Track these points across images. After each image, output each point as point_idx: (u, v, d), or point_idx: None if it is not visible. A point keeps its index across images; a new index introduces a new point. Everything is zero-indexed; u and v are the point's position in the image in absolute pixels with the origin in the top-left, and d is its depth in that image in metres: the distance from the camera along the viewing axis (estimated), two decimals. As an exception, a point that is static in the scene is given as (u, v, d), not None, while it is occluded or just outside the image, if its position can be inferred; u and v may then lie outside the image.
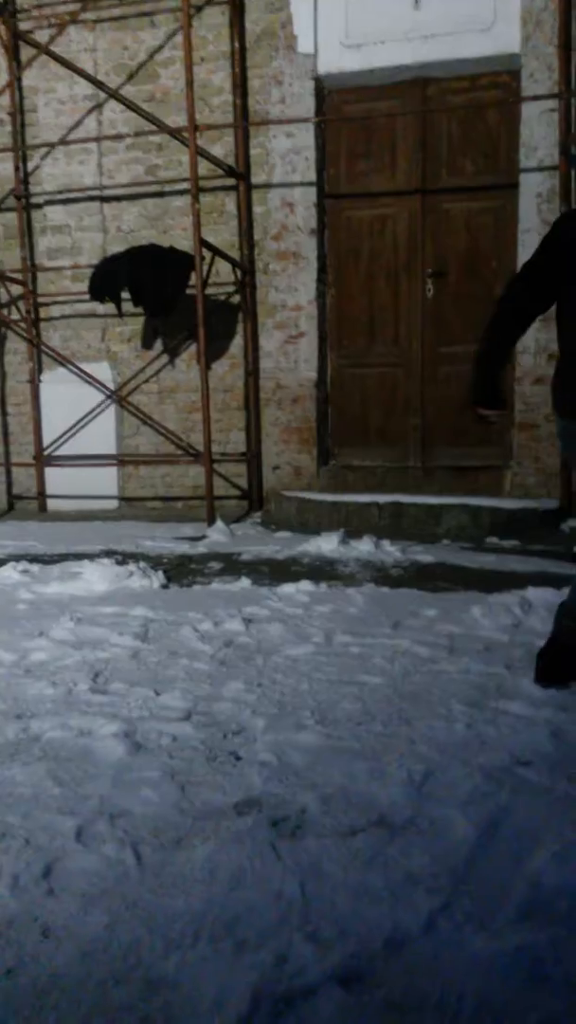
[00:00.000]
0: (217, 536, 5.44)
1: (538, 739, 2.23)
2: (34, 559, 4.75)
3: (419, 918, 1.53)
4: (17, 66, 6.69)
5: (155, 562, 4.66)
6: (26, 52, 6.66)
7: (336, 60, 6.12)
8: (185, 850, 1.77)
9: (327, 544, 4.86)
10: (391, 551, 4.77)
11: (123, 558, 4.63)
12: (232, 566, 4.60)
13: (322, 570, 4.43)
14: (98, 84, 6.53)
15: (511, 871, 1.66)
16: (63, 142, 6.55)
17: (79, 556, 4.75)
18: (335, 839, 1.80)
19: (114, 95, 6.50)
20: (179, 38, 6.04)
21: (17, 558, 4.74)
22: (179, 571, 4.51)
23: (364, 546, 4.81)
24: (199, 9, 6.21)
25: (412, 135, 6.15)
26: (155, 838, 1.82)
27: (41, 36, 6.56)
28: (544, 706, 2.46)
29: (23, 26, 6.67)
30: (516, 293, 2.58)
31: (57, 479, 6.98)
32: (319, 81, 6.19)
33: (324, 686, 2.69)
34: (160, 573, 4.27)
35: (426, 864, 1.70)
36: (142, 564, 4.35)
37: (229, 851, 1.75)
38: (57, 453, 6.88)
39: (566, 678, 2.59)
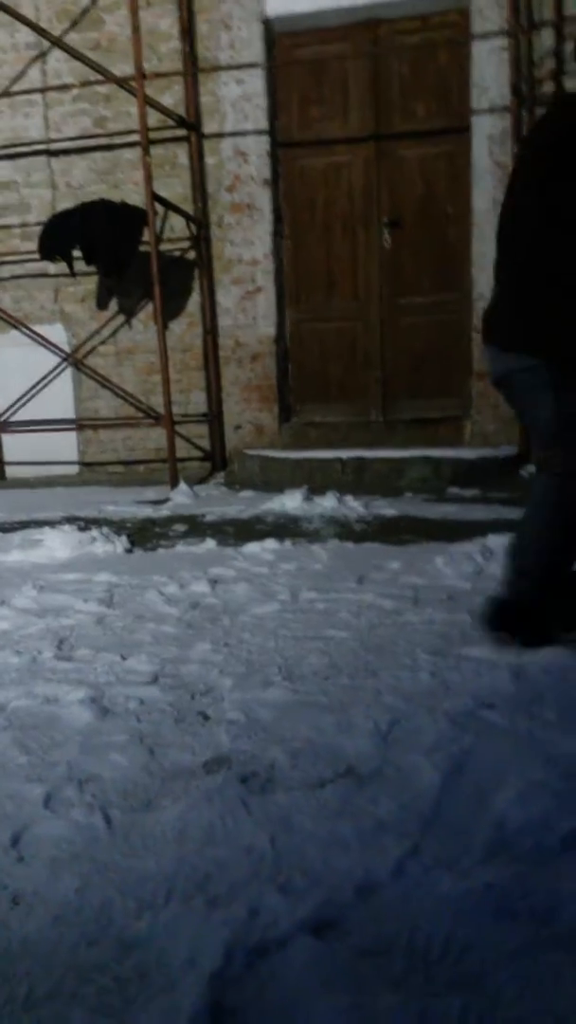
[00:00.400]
0: (181, 498, 5.40)
1: (500, 681, 2.26)
2: (-5, 528, 4.67)
3: (388, 864, 1.56)
4: (-50, 13, 6.37)
5: (118, 527, 4.61)
6: (-41, -3, 6.34)
7: (286, 2, 5.93)
8: (155, 811, 1.77)
9: (291, 502, 4.85)
10: (355, 506, 4.78)
11: (85, 524, 4.58)
12: (196, 528, 4.58)
13: (286, 528, 4.43)
14: (41, 32, 6.25)
15: (476, 813, 1.69)
16: (6, 93, 6.30)
17: (40, 523, 4.68)
18: (304, 791, 1.81)
19: (57, 43, 6.23)
20: (120, -20, 5.80)
21: (-23, 527, 4.67)
22: (143, 535, 4.48)
23: (328, 502, 4.81)
24: (140, -51, 5.94)
25: (364, 79, 6.00)
26: (124, 801, 1.82)
27: (-26, -20, 6.24)
28: (506, 649, 2.49)
29: (-46, -31, 6.33)
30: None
31: (15, 446, 6.85)
32: (268, 24, 6.00)
33: (290, 643, 2.70)
34: (124, 538, 4.23)
35: (394, 811, 1.72)
36: (105, 529, 4.31)
37: (199, 810, 1.76)
38: (14, 419, 6.74)
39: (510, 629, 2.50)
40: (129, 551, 4.13)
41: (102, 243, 5.92)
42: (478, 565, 3.38)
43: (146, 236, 5.79)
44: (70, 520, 4.77)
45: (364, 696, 2.26)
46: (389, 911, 1.46)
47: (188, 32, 6.09)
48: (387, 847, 1.61)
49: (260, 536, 4.15)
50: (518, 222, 2.35)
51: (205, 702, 2.30)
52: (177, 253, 6.36)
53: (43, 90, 6.29)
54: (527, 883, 1.50)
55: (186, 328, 6.49)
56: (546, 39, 5.49)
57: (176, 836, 1.68)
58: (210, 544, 4.10)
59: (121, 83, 6.02)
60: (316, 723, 2.12)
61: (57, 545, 4.08)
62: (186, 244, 6.36)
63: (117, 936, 1.41)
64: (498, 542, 3.56)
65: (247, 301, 6.33)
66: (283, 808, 1.75)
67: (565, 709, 2.08)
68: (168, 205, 6.00)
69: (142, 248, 5.93)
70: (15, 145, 6.50)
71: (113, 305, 6.62)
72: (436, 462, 5.44)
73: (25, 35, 6.33)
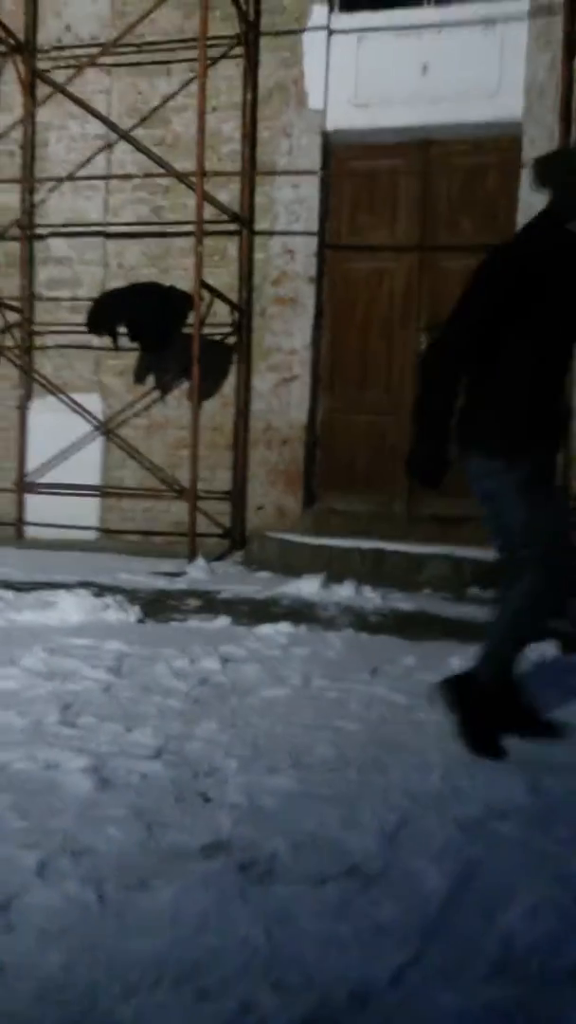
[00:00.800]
0: (197, 573, 5.40)
1: (515, 792, 2.20)
2: (8, 586, 4.68)
3: (387, 971, 1.49)
4: (32, 102, 6.84)
5: (132, 596, 4.61)
6: (43, 90, 6.81)
7: (344, 117, 6.31)
8: (149, 891, 1.71)
9: (308, 587, 4.84)
10: (372, 597, 4.76)
11: (100, 590, 4.59)
12: (211, 604, 4.57)
13: (301, 612, 4.41)
14: (110, 125, 6.68)
15: (483, 926, 1.62)
16: (71, 178, 6.67)
17: (55, 586, 4.69)
18: (304, 887, 1.75)
19: (125, 136, 6.65)
20: (193, 87, 6.21)
21: (-7, 584, 4.68)
22: (156, 606, 4.47)
23: (345, 591, 4.80)
24: (215, 61, 6.40)
25: (413, 193, 6.32)
26: (119, 877, 1.76)
27: (58, 75, 6.71)
28: (521, 759, 2.43)
29: (41, 65, 6.83)
30: (463, 341, 2.46)
31: (38, 507, 6.94)
32: (326, 136, 6.37)
33: (299, 730, 2.65)
34: (137, 607, 4.23)
35: (396, 916, 1.65)
36: (119, 597, 4.31)
37: (194, 894, 1.70)
38: (40, 481, 6.84)
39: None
40: (141, 621, 4.12)
41: (148, 322, 6.15)
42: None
43: (191, 319, 6.00)
44: (85, 585, 4.78)
45: (372, 793, 2.20)
46: (384, 1021, 1.39)
47: (250, 137, 6.47)
48: (387, 953, 1.54)
49: (274, 618, 4.13)
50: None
51: (208, 783, 2.25)
52: (218, 337, 6.58)
53: (106, 177, 6.66)
54: (530, 1008, 1.42)
55: (219, 408, 6.65)
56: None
57: (169, 919, 1.62)
58: (223, 621, 4.08)
59: (181, 178, 6.37)
60: (321, 816, 2.06)
61: (70, 609, 4.07)
62: (228, 330, 6.58)
63: (100, 1020, 1.35)
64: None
65: (282, 388, 6.50)
66: (282, 901, 1.69)
67: (579, 828, 2.01)
68: (215, 292, 6.25)
69: (185, 330, 6.14)
70: (74, 224, 6.85)
71: (150, 380, 6.81)
72: (457, 561, 5.44)
73: (95, 127, 6.75)
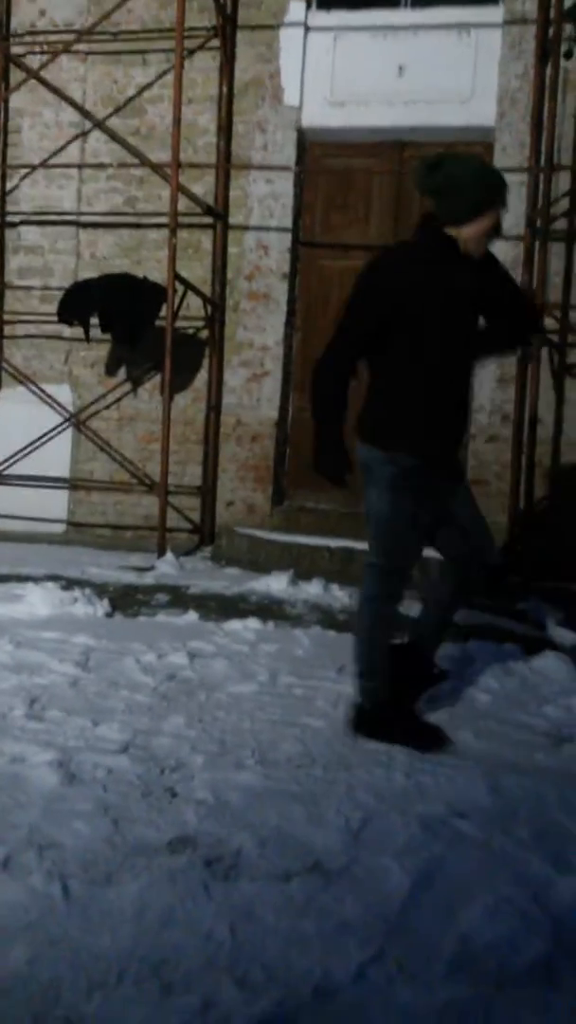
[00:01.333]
0: (166, 568, 5.39)
1: (476, 792, 2.24)
2: (-24, 578, 4.63)
3: (349, 967, 1.52)
4: (6, 88, 6.73)
5: (101, 590, 4.59)
6: (16, 75, 6.71)
7: (320, 115, 6.32)
8: (114, 886, 1.72)
9: (276, 583, 4.86)
10: (340, 596, 4.78)
11: (68, 583, 4.55)
12: (179, 599, 4.56)
13: (270, 609, 4.42)
14: (85, 113, 6.61)
15: (443, 924, 1.65)
16: (44, 165, 6.59)
17: (22, 578, 4.65)
18: (269, 883, 1.77)
19: (100, 125, 6.58)
20: (169, 77, 6.16)
21: (-42, 575, 4.63)
22: (125, 600, 4.45)
23: (313, 588, 4.82)
24: (191, 53, 6.36)
25: (387, 193, 6.34)
26: (84, 872, 1.76)
27: (33, 61, 6.62)
28: (483, 760, 2.48)
29: (15, 50, 6.73)
30: (345, 359, 2.59)
31: (5, 499, 6.85)
32: (302, 133, 6.37)
33: (266, 726, 2.67)
34: (105, 601, 4.21)
35: (359, 913, 1.68)
36: (87, 591, 4.29)
37: (160, 889, 1.71)
38: (8, 472, 6.76)
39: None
40: (109, 615, 4.10)
41: (121, 313, 6.10)
42: (457, 669, 3.38)
43: (163, 312, 5.97)
44: (53, 578, 4.73)
45: (336, 790, 2.23)
46: (345, 1018, 1.42)
47: (225, 130, 6.45)
48: (349, 950, 1.57)
49: (243, 614, 4.14)
50: None
51: (174, 778, 2.26)
52: (191, 331, 6.55)
53: (80, 166, 6.59)
54: (488, 1005, 1.46)
55: (191, 402, 6.62)
56: (563, 181, 5.84)
57: (134, 915, 1.63)
58: (192, 617, 4.08)
59: (156, 168, 6.32)
60: (286, 812, 2.08)
61: (38, 601, 4.04)
62: (200, 323, 6.56)
63: (64, 1016, 1.36)
64: (479, 649, 3.57)
65: (253, 383, 6.49)
66: (246, 897, 1.71)
67: (539, 829, 2.05)
68: (188, 285, 6.22)
69: (158, 323, 6.11)
70: (46, 213, 6.76)
71: (122, 373, 6.76)
72: (425, 561, 5.48)
73: (70, 115, 6.67)
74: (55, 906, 1.64)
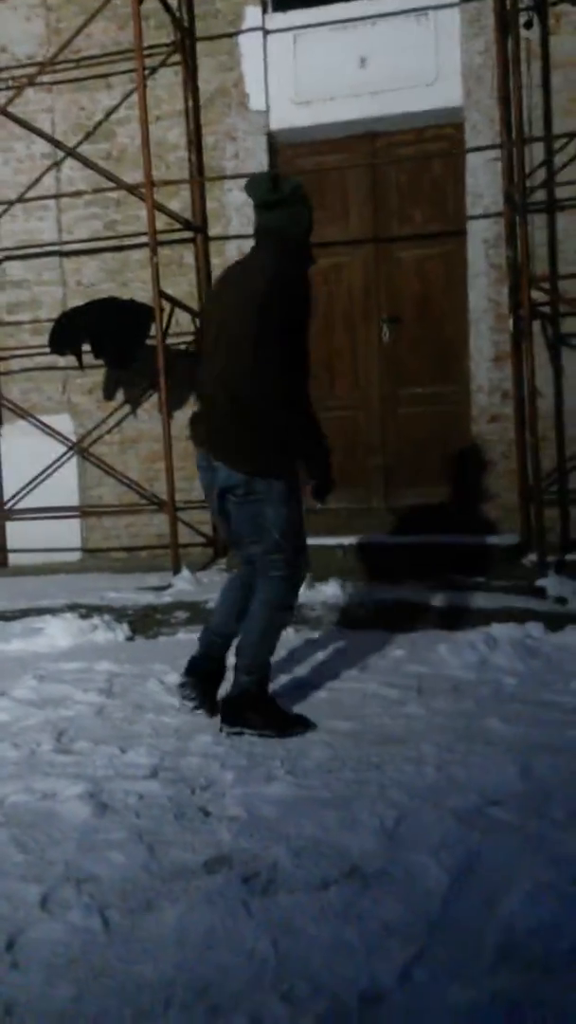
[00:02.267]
0: (183, 584, 5.40)
1: (508, 778, 2.22)
2: (-4, 615, 4.67)
3: (394, 970, 1.51)
4: (-27, 126, 6.78)
5: (120, 614, 4.61)
6: (-18, 113, 6.76)
7: (287, 116, 6.31)
8: (154, 913, 1.73)
9: (294, 588, 4.84)
10: (357, 592, 4.78)
11: (87, 611, 4.58)
12: (198, 614, 4.57)
13: (289, 615, 4.41)
14: (56, 143, 6.64)
15: (485, 916, 1.65)
16: (21, 200, 6.62)
17: (41, 611, 4.68)
18: (307, 893, 1.77)
19: (72, 153, 6.61)
20: (135, 98, 6.18)
21: (-21, 615, 4.66)
22: (144, 622, 4.47)
23: (329, 589, 4.82)
24: (153, 71, 6.38)
25: (363, 186, 6.33)
26: (123, 902, 1.77)
27: (-2, 97, 6.67)
28: (513, 745, 2.46)
29: (-21, 88, 6.77)
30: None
31: (18, 533, 6.90)
32: (271, 136, 6.36)
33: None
34: (125, 625, 4.22)
35: (400, 914, 1.67)
36: (106, 617, 4.31)
37: (200, 912, 1.71)
38: (19, 506, 6.81)
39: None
40: (130, 639, 4.11)
41: (110, 337, 6.12)
42: (481, 654, 3.36)
43: (153, 331, 5.99)
44: (72, 607, 4.76)
45: (368, 791, 2.22)
46: (394, 1021, 1.41)
47: (196, 143, 6.46)
48: (393, 952, 1.56)
49: (262, 624, 4.13)
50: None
51: (206, 797, 2.26)
52: (183, 346, 6.56)
53: (57, 196, 6.62)
54: (537, 992, 1.45)
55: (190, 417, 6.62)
56: (537, 152, 5.81)
57: (176, 940, 1.63)
58: (212, 632, 4.08)
59: (131, 190, 6.34)
60: (320, 820, 2.08)
61: (58, 633, 4.06)
62: (191, 338, 6.57)
63: (113, 1049, 1.36)
64: (502, 631, 3.56)
65: (250, 392, 6.48)
66: (285, 910, 1.71)
67: (574, 809, 2.04)
68: (174, 302, 6.23)
69: (149, 342, 6.13)
70: (29, 246, 6.80)
71: (119, 396, 6.78)
72: (438, 548, 5.47)
73: (41, 146, 6.71)
74: (96, 939, 1.64)
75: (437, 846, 1.91)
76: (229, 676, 2.83)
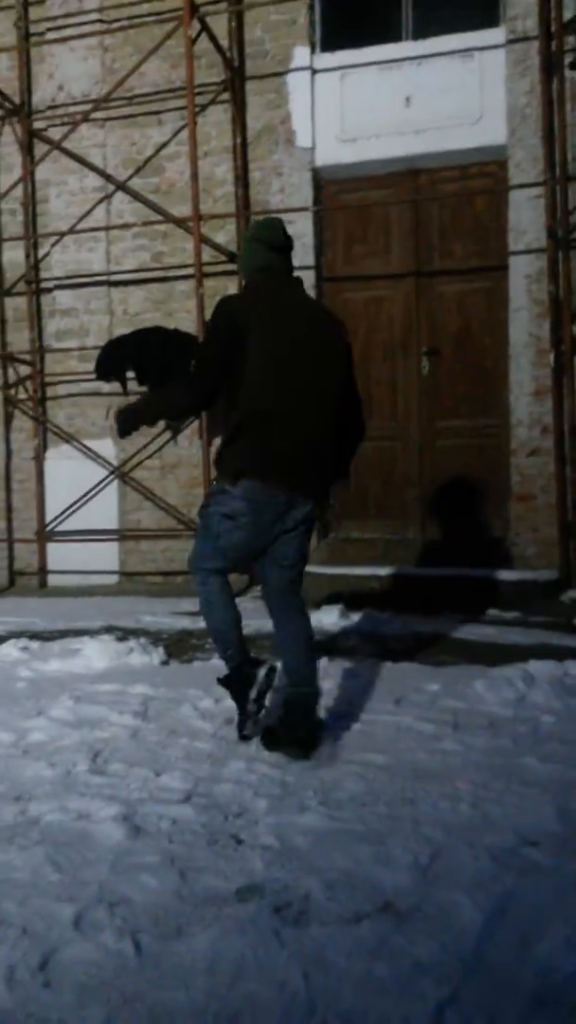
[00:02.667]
0: (218, 611, 5.41)
1: (545, 818, 2.19)
2: (34, 636, 4.73)
3: (427, 1010, 1.49)
4: (31, 161, 7.03)
5: (155, 638, 4.64)
6: (40, 148, 7.01)
7: (333, 153, 6.44)
8: (186, 939, 1.72)
9: (327, 617, 4.84)
10: (392, 624, 4.76)
11: (123, 634, 4.62)
12: (233, 641, 4.57)
13: (321, 644, 4.39)
14: (107, 177, 6.84)
15: (520, 958, 1.62)
16: (73, 231, 6.82)
17: (79, 632, 4.74)
18: (340, 926, 1.75)
19: (122, 187, 6.80)
20: (185, 134, 6.36)
21: (17, 635, 4.73)
22: (179, 646, 4.49)
23: (364, 619, 4.80)
24: (203, 108, 6.56)
25: (405, 221, 6.41)
26: (155, 926, 1.77)
27: (55, 133, 6.91)
28: (550, 784, 2.42)
29: (38, 124, 7.03)
30: (214, 378, 2.78)
31: (58, 555, 7.01)
32: (316, 172, 6.49)
33: (327, 765, 2.65)
34: (160, 649, 4.25)
35: (433, 952, 1.65)
36: (142, 640, 4.34)
37: (231, 940, 1.71)
38: (59, 529, 6.92)
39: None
40: (165, 663, 4.14)
41: (154, 365, 6.24)
42: (519, 691, 3.32)
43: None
44: (108, 630, 4.81)
45: (403, 826, 2.20)
46: (428, 1063, 1.39)
47: (242, 178, 6.61)
48: (426, 991, 1.54)
49: (296, 653, 4.12)
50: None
51: (239, 824, 2.26)
52: (224, 375, 6.65)
53: (107, 228, 6.81)
54: (573, 1041, 1.42)
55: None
56: (580, 189, 5.84)
57: (206, 967, 1.63)
58: (246, 659, 4.08)
59: (179, 223, 6.50)
60: (353, 853, 2.06)
61: (95, 655, 4.11)
62: (233, 367, 6.66)
63: (143, 1075, 1.36)
64: (540, 668, 3.51)
65: (289, 421, 6.54)
66: (317, 943, 1.70)
67: (612, 850, 2.00)
68: (218, 331, 6.34)
69: (191, 370, 6.22)
70: (79, 276, 6.99)
71: (161, 422, 6.89)
72: (474, 582, 5.43)
73: (93, 180, 6.92)
74: (128, 963, 1.64)
75: (472, 885, 1.89)
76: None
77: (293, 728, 2.75)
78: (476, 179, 6.27)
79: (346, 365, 2.86)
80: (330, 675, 3.72)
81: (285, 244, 2.86)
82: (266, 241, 2.83)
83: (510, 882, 1.89)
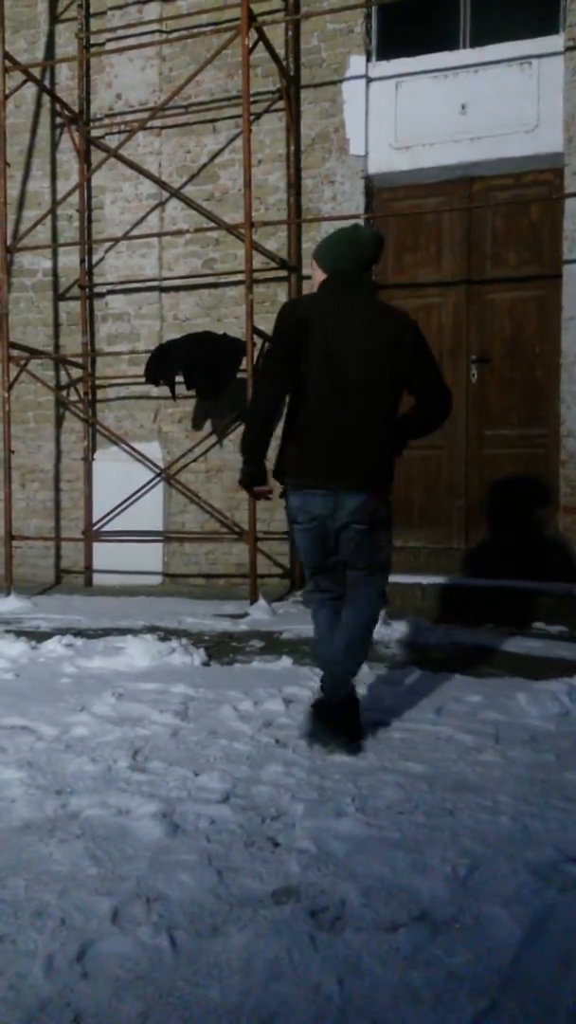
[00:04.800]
0: (259, 614, 5.45)
1: (587, 835, 2.15)
2: (79, 633, 4.81)
3: (462, 1021, 1.47)
4: (87, 168, 7.17)
5: (197, 639, 4.68)
6: (97, 155, 7.14)
7: (386, 161, 6.44)
8: (221, 938, 1.73)
9: (370, 626, 4.82)
10: (434, 633, 4.72)
11: (165, 634, 4.66)
12: (273, 645, 4.60)
13: (365, 652, 4.39)
14: (162, 184, 6.94)
15: (560, 974, 1.59)
16: (127, 237, 6.93)
17: (122, 631, 4.80)
18: (375, 933, 1.74)
19: (176, 194, 6.90)
20: (238, 142, 6.43)
21: (62, 632, 4.81)
22: (220, 649, 4.52)
23: (406, 627, 4.77)
24: (258, 116, 6.62)
25: (458, 229, 6.37)
26: (191, 924, 1.78)
27: (111, 141, 7.04)
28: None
29: (95, 132, 7.17)
30: (272, 383, 2.90)
31: (103, 554, 7.11)
32: (369, 180, 6.49)
33: (365, 772, 2.64)
34: (201, 650, 4.28)
35: (470, 964, 1.63)
36: (184, 641, 4.38)
37: (266, 941, 1.71)
38: (105, 529, 7.02)
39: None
40: (206, 664, 4.17)
41: (203, 370, 6.30)
42: (563, 706, 3.27)
43: (244, 364, 6.14)
44: (151, 630, 4.87)
45: (441, 836, 2.18)
46: (462, 1076, 1.37)
47: (295, 186, 6.65)
48: (462, 1002, 1.53)
49: (337, 659, 4.12)
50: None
51: (276, 827, 2.26)
52: (272, 381, 6.68)
53: (160, 235, 6.90)
54: (613, 1062, 1.39)
55: (274, 449, 6.71)
56: None
57: (241, 967, 1.63)
58: (286, 662, 4.10)
59: (230, 230, 6.56)
60: (390, 861, 2.05)
61: (137, 654, 4.15)
62: (281, 373, 6.69)
63: (177, 1070, 1.37)
64: (582, 681, 3.44)
65: (335, 428, 6.54)
66: (353, 949, 1.69)
67: None
68: (266, 337, 6.37)
69: (239, 375, 6.28)
70: (131, 281, 7.10)
71: (207, 426, 6.95)
72: (520, 593, 5.36)
73: (148, 187, 7.03)
74: (164, 958, 1.66)
75: (510, 898, 1.86)
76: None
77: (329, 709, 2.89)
78: (531, 187, 6.20)
79: (411, 348, 2.79)
80: (371, 681, 3.70)
81: (369, 260, 2.87)
82: (351, 255, 2.85)
83: (550, 897, 1.86)
